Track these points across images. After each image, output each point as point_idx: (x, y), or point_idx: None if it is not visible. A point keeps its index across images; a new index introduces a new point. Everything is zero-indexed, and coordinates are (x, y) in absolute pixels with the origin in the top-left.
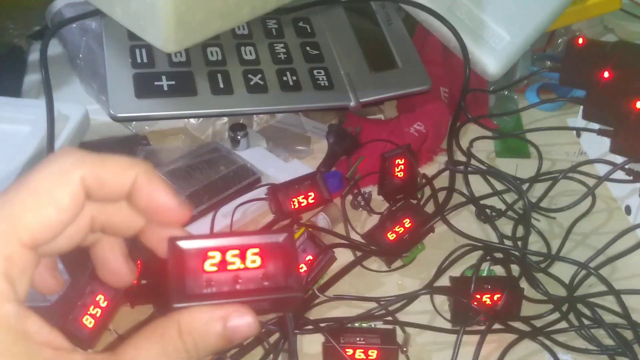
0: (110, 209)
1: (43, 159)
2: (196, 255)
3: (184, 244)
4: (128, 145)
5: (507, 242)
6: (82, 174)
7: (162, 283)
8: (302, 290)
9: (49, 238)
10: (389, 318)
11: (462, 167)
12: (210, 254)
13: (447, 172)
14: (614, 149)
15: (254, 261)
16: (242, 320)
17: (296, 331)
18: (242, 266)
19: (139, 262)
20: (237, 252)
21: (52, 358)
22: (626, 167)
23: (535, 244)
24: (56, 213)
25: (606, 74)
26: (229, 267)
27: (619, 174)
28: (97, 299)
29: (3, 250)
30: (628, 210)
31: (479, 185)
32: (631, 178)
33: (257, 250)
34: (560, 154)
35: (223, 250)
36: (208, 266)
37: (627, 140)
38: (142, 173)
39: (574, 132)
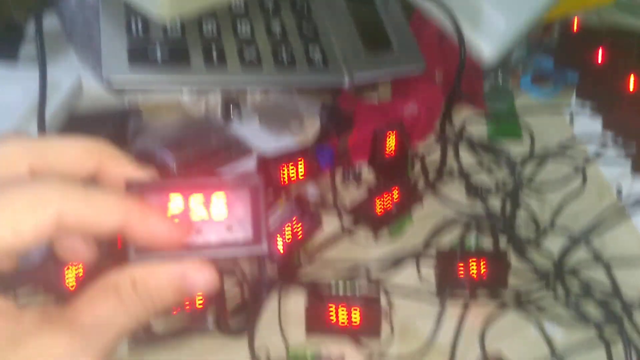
0: None
1: (28, 180)
2: (157, 202)
3: (143, 190)
4: (121, 117)
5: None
6: (59, 209)
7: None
8: (266, 243)
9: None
10: (373, 286)
11: (453, 139)
12: (172, 199)
13: (438, 153)
14: (606, 126)
15: (218, 209)
16: (200, 277)
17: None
18: (205, 215)
19: None
20: (200, 198)
21: (2, 323)
22: (617, 145)
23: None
24: (12, 239)
25: (600, 53)
26: (192, 216)
27: (611, 157)
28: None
29: None
30: (619, 191)
31: (470, 165)
32: (623, 154)
33: (222, 196)
34: (553, 140)
35: (186, 195)
36: (169, 214)
37: (618, 117)
38: (134, 211)
39: (567, 120)
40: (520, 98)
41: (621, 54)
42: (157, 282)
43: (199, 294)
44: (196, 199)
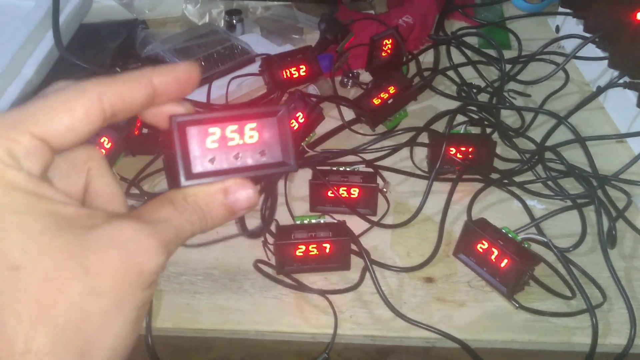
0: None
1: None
2: (198, 133)
3: (185, 122)
4: (128, 28)
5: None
6: (100, 91)
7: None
8: (297, 164)
9: (59, 141)
10: (371, 170)
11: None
12: (210, 130)
13: (432, 57)
14: (587, 29)
15: (251, 136)
16: (242, 192)
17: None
18: (240, 142)
19: None
20: (235, 127)
21: (75, 214)
22: (597, 40)
23: (509, 117)
24: (69, 121)
25: None
26: (229, 143)
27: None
28: (102, 140)
29: (8, 134)
30: (599, 91)
31: (462, 71)
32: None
33: (254, 125)
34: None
35: (222, 127)
36: (209, 143)
37: (598, 16)
38: (157, 73)
39: (554, 30)
40: (510, 12)
41: None
42: (204, 195)
43: (243, 209)
44: (231, 128)
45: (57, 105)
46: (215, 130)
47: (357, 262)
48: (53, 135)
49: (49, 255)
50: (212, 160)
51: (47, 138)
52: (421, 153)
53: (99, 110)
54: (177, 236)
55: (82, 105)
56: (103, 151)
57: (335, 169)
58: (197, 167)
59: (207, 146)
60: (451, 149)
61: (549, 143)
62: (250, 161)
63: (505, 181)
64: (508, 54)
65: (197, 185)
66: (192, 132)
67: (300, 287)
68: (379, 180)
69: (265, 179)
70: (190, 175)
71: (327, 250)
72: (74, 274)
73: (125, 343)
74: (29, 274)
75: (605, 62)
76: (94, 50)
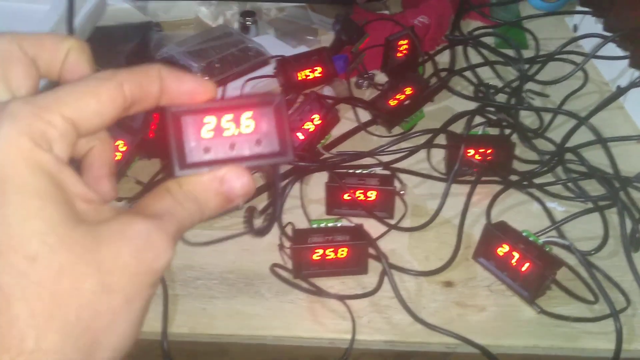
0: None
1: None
2: (193, 123)
3: (180, 112)
4: (142, 30)
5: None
6: (121, 78)
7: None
8: (294, 154)
9: (87, 124)
10: (388, 172)
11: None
12: (206, 119)
13: (448, 56)
14: (607, 28)
15: (247, 126)
16: (237, 180)
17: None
18: (236, 132)
19: (155, 115)
20: (231, 116)
21: (85, 209)
22: (617, 40)
23: (528, 118)
24: (96, 105)
25: None
26: (225, 133)
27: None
28: (117, 144)
29: (42, 115)
30: (620, 91)
31: (479, 71)
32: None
33: (250, 114)
34: (558, 46)
35: (218, 116)
36: (205, 132)
37: (619, 15)
38: (165, 69)
39: (571, 29)
40: (526, 12)
41: None
42: (199, 184)
43: (239, 197)
44: (227, 118)
45: (84, 89)
46: (210, 120)
47: (374, 266)
48: (81, 118)
49: (65, 247)
50: (207, 150)
51: (76, 121)
52: (439, 155)
53: (121, 96)
54: (180, 227)
55: (107, 90)
56: (119, 154)
57: (351, 171)
58: (192, 156)
59: (202, 136)
60: (469, 150)
61: (569, 144)
62: (246, 151)
63: (525, 183)
64: (525, 54)
65: (191, 175)
66: (187, 122)
67: (318, 292)
68: (396, 183)
69: (267, 173)
70: (184, 165)
71: (344, 254)
72: (88, 269)
73: (127, 343)
74: (45, 266)
75: (625, 61)
76: (108, 53)
